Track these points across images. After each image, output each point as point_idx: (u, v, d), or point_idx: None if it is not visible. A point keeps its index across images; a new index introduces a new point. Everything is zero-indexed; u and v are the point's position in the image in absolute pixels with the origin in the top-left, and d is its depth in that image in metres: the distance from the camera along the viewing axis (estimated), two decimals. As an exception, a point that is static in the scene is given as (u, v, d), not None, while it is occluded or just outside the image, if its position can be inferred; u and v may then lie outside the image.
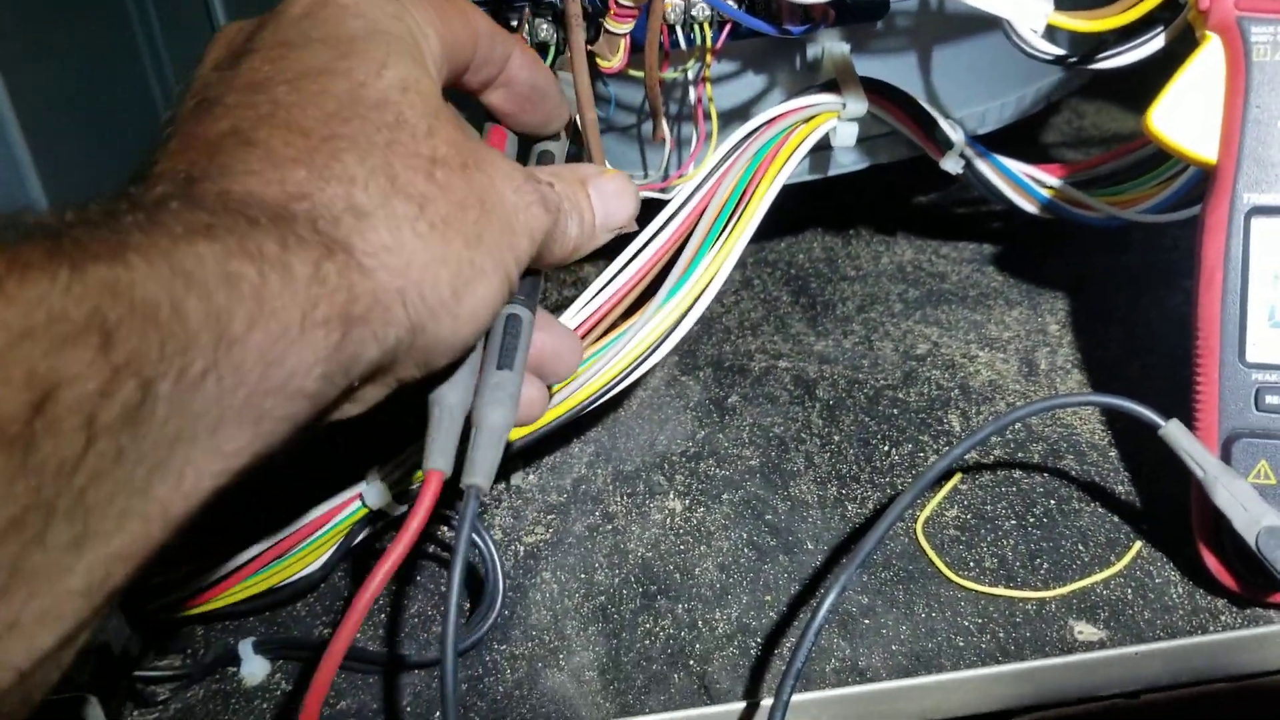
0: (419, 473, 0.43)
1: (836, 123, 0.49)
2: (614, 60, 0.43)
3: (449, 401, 0.34)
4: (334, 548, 0.43)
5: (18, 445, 0.20)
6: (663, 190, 0.48)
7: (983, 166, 0.53)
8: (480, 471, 0.33)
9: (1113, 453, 0.49)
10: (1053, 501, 0.47)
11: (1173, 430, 0.40)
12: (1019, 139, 0.58)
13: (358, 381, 0.29)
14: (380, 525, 0.43)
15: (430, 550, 0.48)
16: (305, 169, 0.28)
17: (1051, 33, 0.44)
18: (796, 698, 0.40)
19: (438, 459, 0.33)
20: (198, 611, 0.43)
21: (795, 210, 0.53)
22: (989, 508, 0.47)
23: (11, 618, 0.21)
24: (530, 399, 0.37)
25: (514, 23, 0.45)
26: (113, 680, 0.40)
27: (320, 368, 0.26)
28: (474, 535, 0.43)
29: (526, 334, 0.36)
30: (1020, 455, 0.50)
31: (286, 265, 0.25)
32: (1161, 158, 0.55)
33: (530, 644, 0.43)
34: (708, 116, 0.49)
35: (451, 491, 0.33)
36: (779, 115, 0.48)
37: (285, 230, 0.26)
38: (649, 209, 0.47)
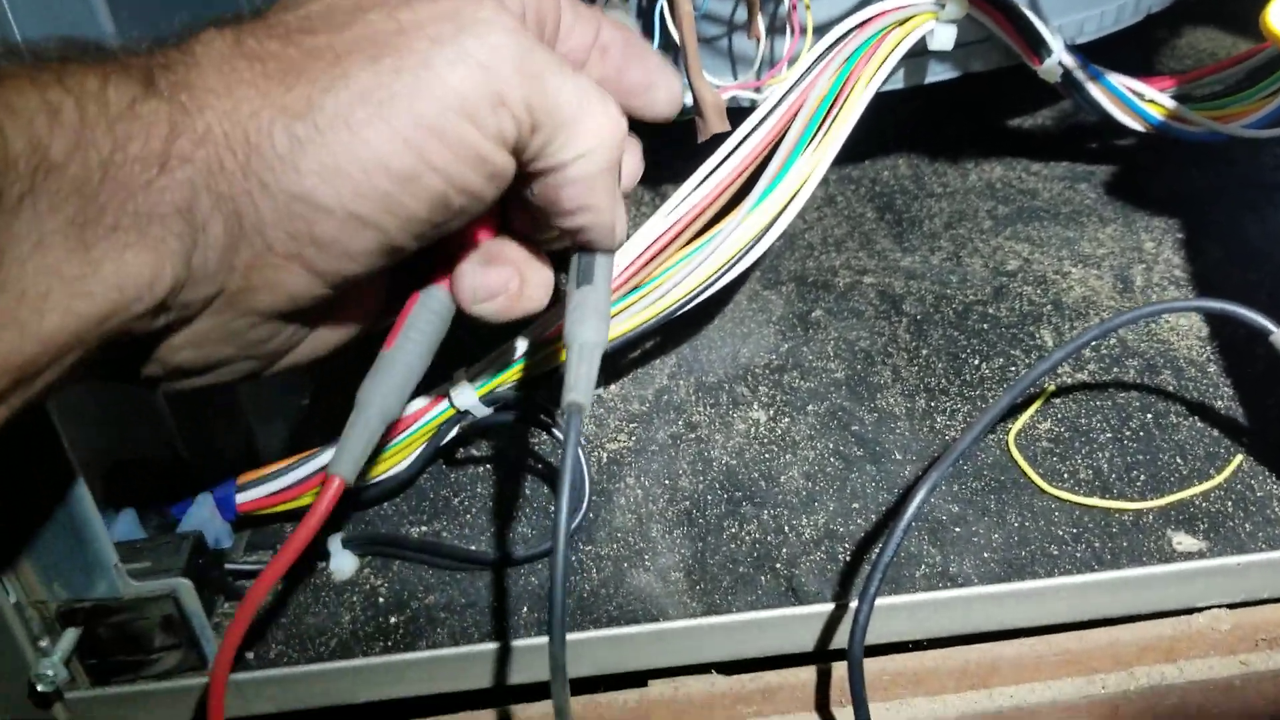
0: (507, 373, 0.43)
1: (934, 24, 0.48)
2: (710, -48, 0.42)
3: (366, 402, 0.33)
4: (422, 446, 0.43)
5: None
6: (756, 90, 0.47)
7: (1081, 76, 0.52)
8: (577, 389, 0.32)
9: (1211, 368, 0.48)
10: (1149, 415, 0.46)
11: (1284, 336, 0.39)
12: (1113, 54, 0.56)
13: (215, 249, 0.28)
14: (468, 425, 0.43)
15: (516, 458, 0.48)
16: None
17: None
18: (886, 601, 0.39)
19: (341, 463, 0.32)
20: (287, 508, 0.44)
21: (879, 127, 0.51)
22: (1083, 421, 0.46)
23: None
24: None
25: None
26: (205, 571, 0.41)
27: (135, 205, 0.26)
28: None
29: (605, 259, 0.35)
30: (1115, 371, 0.48)
31: (103, 97, 0.26)
32: (1267, 71, 0.53)
33: (615, 545, 0.43)
34: (803, 19, 0.48)
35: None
36: (875, 15, 0.47)
37: (110, 68, 0.27)
38: (739, 115, 0.46)
